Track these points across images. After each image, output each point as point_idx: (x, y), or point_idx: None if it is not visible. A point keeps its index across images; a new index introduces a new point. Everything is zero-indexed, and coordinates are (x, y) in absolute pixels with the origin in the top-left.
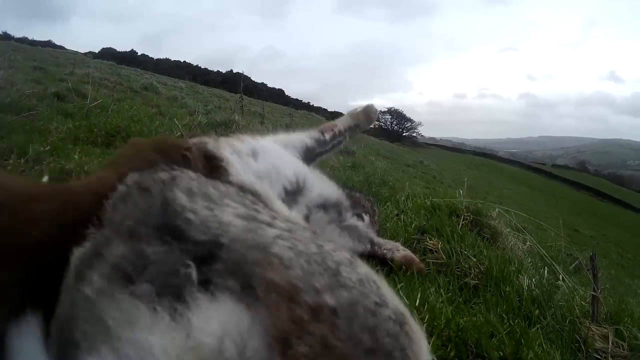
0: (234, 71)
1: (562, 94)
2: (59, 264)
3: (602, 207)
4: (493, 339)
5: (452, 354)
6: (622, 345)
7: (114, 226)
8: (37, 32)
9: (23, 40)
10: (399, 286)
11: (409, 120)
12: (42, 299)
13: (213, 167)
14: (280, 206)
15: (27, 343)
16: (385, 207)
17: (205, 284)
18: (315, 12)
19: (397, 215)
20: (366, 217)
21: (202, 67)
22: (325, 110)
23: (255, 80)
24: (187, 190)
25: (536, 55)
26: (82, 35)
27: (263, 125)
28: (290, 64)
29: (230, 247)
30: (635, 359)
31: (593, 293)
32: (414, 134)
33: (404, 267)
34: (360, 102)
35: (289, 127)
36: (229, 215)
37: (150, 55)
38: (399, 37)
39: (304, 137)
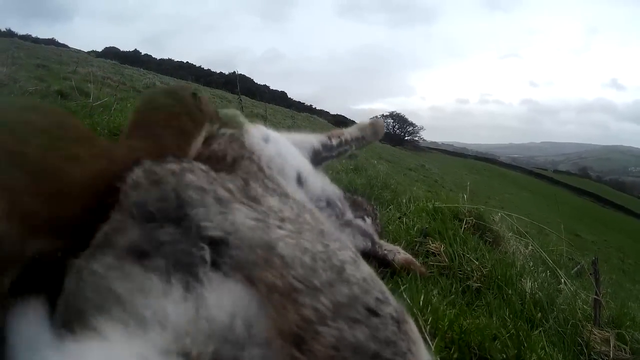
0: (237, 72)
1: (564, 100)
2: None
3: (604, 212)
4: (496, 342)
5: (455, 355)
6: (624, 349)
7: (126, 212)
8: (40, 31)
9: (26, 38)
10: (402, 288)
11: (411, 124)
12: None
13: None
14: (293, 188)
15: (29, 323)
16: (388, 210)
17: (217, 267)
18: (317, 16)
19: (399, 218)
20: (368, 220)
21: (205, 68)
22: (327, 113)
23: (258, 82)
24: (197, 185)
25: (538, 62)
26: (84, 35)
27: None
28: (291, 67)
29: (237, 245)
30: None
31: (595, 297)
32: (416, 138)
33: (405, 270)
34: (363, 106)
35: (291, 129)
36: (238, 213)
37: (153, 56)
38: (400, 42)
39: (312, 139)
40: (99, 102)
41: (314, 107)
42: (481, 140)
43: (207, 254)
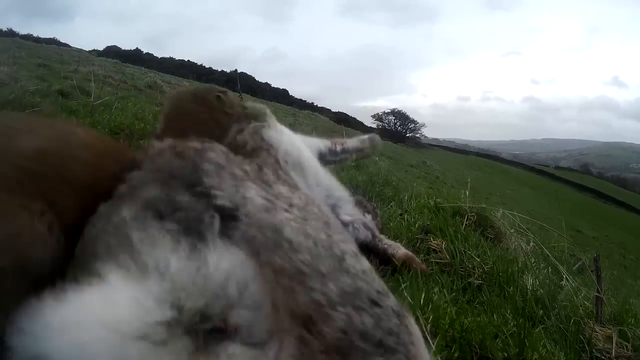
0: (239, 71)
1: (566, 98)
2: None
3: (605, 208)
4: (497, 340)
5: (456, 354)
6: (626, 346)
7: (150, 172)
8: (41, 31)
9: (28, 37)
10: (403, 286)
11: (413, 121)
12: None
13: (252, 115)
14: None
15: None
16: (389, 207)
17: (225, 235)
18: (317, 15)
19: (400, 215)
20: (368, 216)
21: (207, 66)
22: (329, 110)
23: (259, 80)
24: (216, 161)
25: (540, 60)
26: (86, 34)
27: None
28: (292, 66)
29: (247, 222)
30: (638, 359)
31: (597, 294)
32: (418, 135)
33: (405, 266)
34: (364, 104)
35: (292, 126)
36: (249, 190)
37: (154, 54)
38: (401, 41)
39: (319, 142)
40: (100, 101)
41: (315, 104)
42: (483, 137)
43: (216, 221)
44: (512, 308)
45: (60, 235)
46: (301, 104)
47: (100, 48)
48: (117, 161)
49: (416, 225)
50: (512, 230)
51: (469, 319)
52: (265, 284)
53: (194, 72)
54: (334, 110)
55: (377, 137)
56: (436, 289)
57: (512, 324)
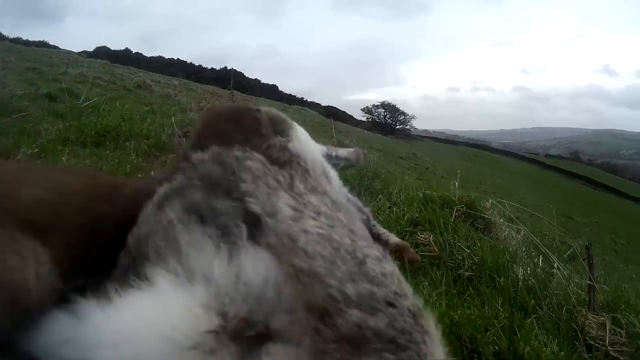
0: (228, 68)
1: (556, 87)
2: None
3: (595, 195)
4: (488, 333)
5: (446, 349)
6: (620, 333)
7: (193, 178)
8: (31, 33)
9: (17, 41)
10: None
11: (402, 113)
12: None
13: (279, 130)
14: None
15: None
16: (377, 200)
17: (254, 241)
18: (310, 10)
19: (389, 208)
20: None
21: (196, 64)
22: (318, 105)
23: (249, 77)
24: (254, 169)
25: (530, 50)
26: (76, 35)
27: None
28: (284, 61)
29: (275, 228)
30: (633, 346)
31: (589, 282)
32: (407, 127)
33: (398, 255)
34: (355, 97)
35: None
36: (280, 200)
37: (144, 54)
38: (392, 34)
39: (319, 146)
40: (87, 103)
41: (305, 99)
42: (472, 127)
43: (247, 227)
44: (503, 299)
45: (53, 268)
46: (291, 99)
47: (90, 49)
48: (108, 201)
49: (405, 218)
50: (502, 220)
51: (458, 312)
52: (293, 286)
53: (184, 70)
54: (323, 104)
55: (361, 152)
56: (425, 283)
57: (503, 315)
